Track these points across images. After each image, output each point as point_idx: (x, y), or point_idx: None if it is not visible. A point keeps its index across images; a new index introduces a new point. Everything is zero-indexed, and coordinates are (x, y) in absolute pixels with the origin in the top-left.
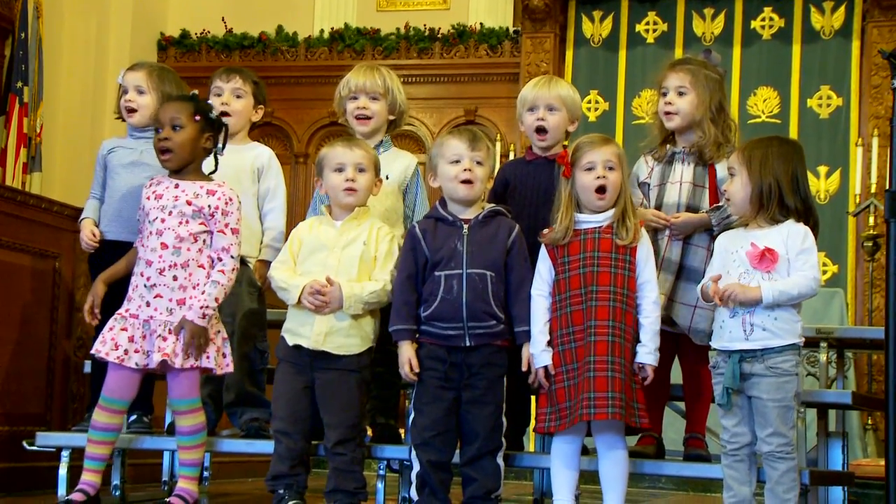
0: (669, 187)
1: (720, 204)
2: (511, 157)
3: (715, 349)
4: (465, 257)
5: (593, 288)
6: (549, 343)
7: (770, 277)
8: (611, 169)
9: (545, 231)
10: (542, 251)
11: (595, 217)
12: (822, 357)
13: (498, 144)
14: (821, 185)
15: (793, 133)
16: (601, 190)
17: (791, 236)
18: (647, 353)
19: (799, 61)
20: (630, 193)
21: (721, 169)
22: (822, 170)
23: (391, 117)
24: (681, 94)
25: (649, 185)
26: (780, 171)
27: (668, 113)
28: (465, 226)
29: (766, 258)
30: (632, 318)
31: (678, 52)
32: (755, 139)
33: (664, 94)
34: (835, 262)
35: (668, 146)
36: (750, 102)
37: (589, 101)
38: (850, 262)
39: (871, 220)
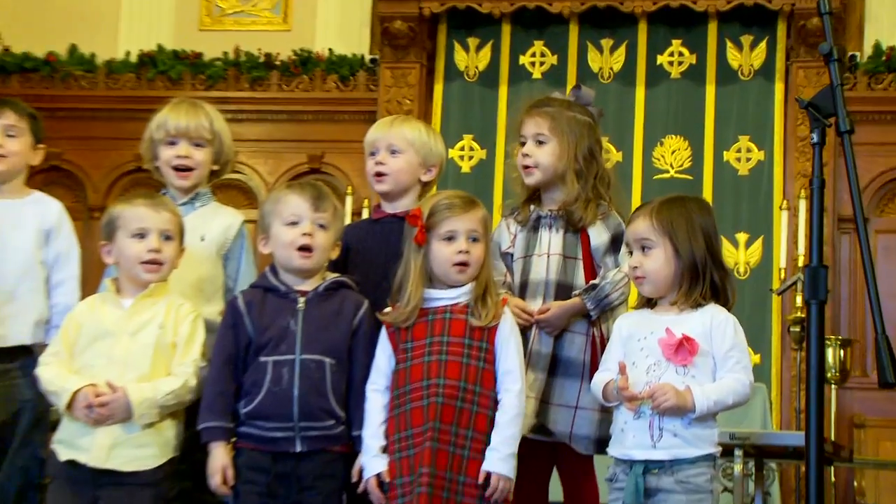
0: (536, 260)
1: (596, 282)
2: (365, 215)
3: (613, 458)
4: (299, 339)
5: (439, 381)
6: (386, 449)
7: (686, 373)
8: (475, 241)
9: (386, 311)
10: (382, 335)
11: (447, 293)
12: (738, 468)
13: (348, 200)
14: (740, 255)
15: (706, 192)
16: (463, 265)
17: (716, 327)
18: (499, 459)
19: (713, 105)
20: (492, 265)
21: (596, 235)
22: (742, 237)
23: (214, 167)
24: (540, 143)
25: (512, 255)
26: (707, 241)
27: (526, 167)
28: (302, 299)
29: (683, 349)
30: (485, 422)
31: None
32: (664, 200)
33: (522, 144)
34: (756, 349)
35: (532, 207)
36: (656, 153)
37: (462, 149)
38: (774, 350)
39: (799, 299)
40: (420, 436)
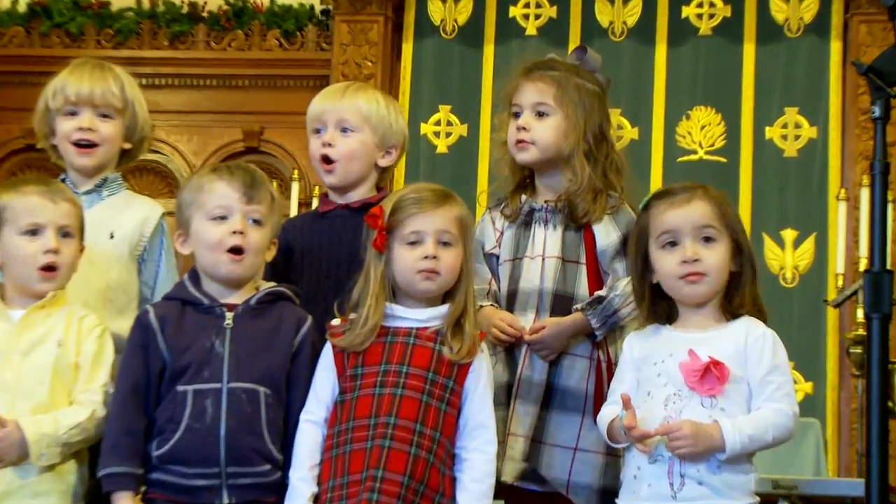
0: (527, 264)
1: (602, 293)
2: (315, 206)
3: None
4: (226, 363)
5: (389, 420)
6: (317, 498)
7: (714, 405)
8: (446, 245)
9: (335, 322)
10: (326, 354)
11: (415, 312)
12: None
13: (294, 188)
14: (786, 258)
15: (744, 178)
16: (430, 273)
17: (752, 345)
18: None
19: (753, 70)
20: (471, 281)
21: (604, 233)
22: (788, 235)
23: (125, 145)
24: (540, 114)
25: (498, 258)
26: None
27: (520, 142)
28: (229, 314)
29: (710, 375)
30: (438, 478)
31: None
32: (703, 186)
33: (516, 116)
34: (807, 376)
35: (523, 197)
36: (681, 130)
37: (438, 123)
38: (829, 377)
39: (860, 313)
40: (357, 484)
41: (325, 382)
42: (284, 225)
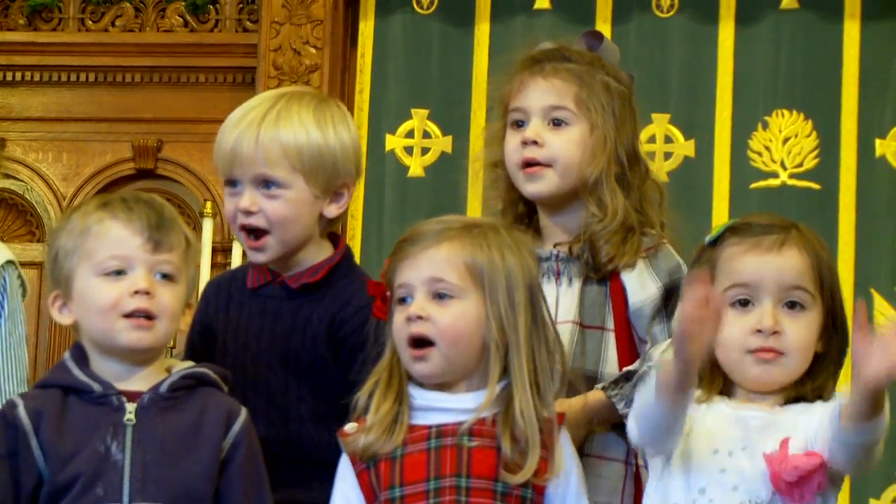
0: None
1: (633, 367)
2: (236, 251)
3: None
4: (127, 476)
5: None
6: None
7: None
8: (441, 297)
9: (349, 428)
10: (344, 477)
11: (456, 398)
12: None
13: (206, 225)
14: None
15: (846, 212)
16: (417, 343)
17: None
18: None
19: (858, 59)
20: (525, 347)
21: (638, 285)
22: None
23: None
24: (556, 123)
25: None
26: None
27: (530, 164)
28: (131, 406)
29: (812, 480)
30: None
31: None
32: (794, 225)
33: (518, 125)
34: None
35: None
36: (755, 143)
37: (410, 134)
38: None
39: None
40: None
41: None
42: (205, 291)
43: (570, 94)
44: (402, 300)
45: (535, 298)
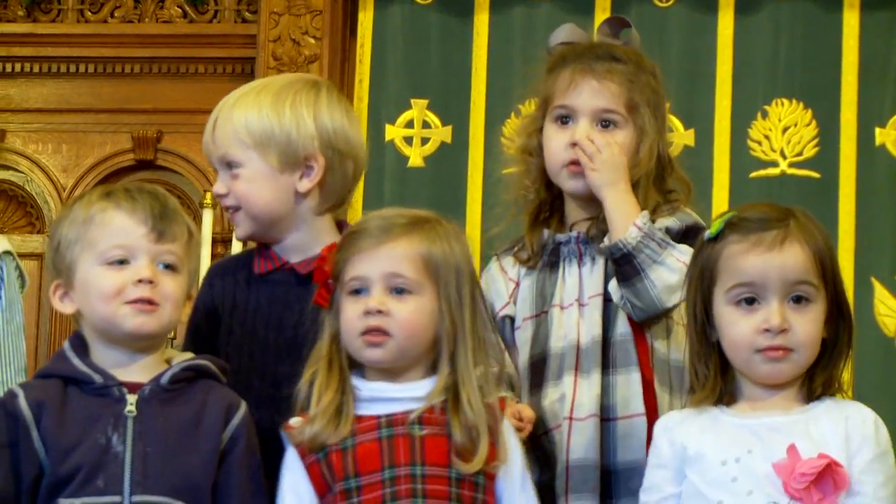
0: (557, 317)
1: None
2: (236, 243)
3: None
4: (128, 468)
5: None
6: None
7: None
8: (400, 292)
9: (294, 421)
10: (292, 469)
11: (407, 387)
12: None
13: (206, 216)
14: None
15: (846, 201)
16: (376, 333)
17: (853, 430)
18: None
19: (857, 46)
20: (471, 339)
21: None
22: None
23: None
24: (606, 124)
25: (514, 320)
26: None
27: (574, 164)
28: (132, 398)
29: (827, 480)
30: None
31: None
32: (794, 212)
33: (563, 121)
34: None
35: (545, 233)
36: (755, 132)
37: (410, 124)
38: None
39: None
40: None
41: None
42: (209, 274)
43: (622, 99)
44: (357, 292)
45: (476, 288)
